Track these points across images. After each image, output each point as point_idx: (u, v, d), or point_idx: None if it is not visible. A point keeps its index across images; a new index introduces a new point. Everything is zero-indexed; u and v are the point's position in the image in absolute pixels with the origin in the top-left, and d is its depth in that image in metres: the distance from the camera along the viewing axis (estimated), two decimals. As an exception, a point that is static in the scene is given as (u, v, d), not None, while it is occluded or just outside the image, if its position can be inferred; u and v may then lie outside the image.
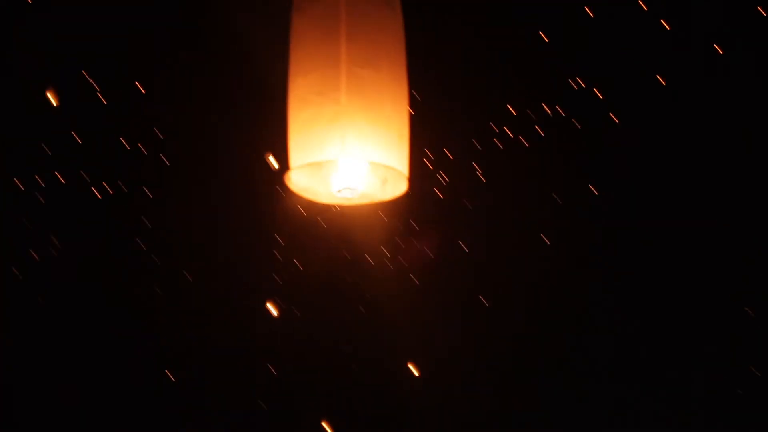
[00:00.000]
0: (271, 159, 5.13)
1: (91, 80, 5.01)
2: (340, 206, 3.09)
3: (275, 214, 5.41)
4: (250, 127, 4.81)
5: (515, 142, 5.26)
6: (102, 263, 5.67)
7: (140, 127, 5.27)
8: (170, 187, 5.51)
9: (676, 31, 4.83)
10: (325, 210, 5.00)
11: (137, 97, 5.09)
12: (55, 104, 4.96)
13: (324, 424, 5.81)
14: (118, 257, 5.68)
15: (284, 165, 2.74)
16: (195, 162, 5.39)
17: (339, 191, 2.77)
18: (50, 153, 5.28)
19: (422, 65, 4.88)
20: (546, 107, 5.13)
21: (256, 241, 5.66)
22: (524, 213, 5.52)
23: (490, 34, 4.83)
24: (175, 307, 5.74)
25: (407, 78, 2.79)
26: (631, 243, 5.54)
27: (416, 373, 5.91)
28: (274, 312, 5.86)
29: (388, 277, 5.76)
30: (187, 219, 5.59)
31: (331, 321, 5.87)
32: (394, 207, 5.56)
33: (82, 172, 5.36)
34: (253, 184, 5.28)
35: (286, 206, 5.31)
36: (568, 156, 5.33)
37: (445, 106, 5.12)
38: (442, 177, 5.41)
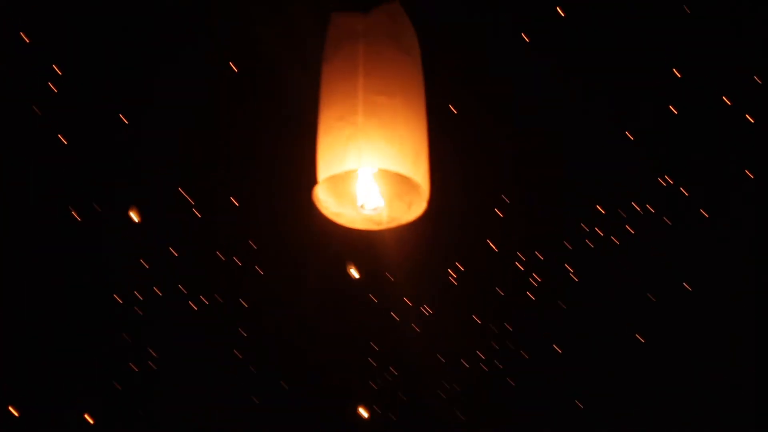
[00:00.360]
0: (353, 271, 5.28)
1: (185, 194, 5.13)
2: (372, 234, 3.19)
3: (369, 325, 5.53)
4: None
5: (606, 241, 5.26)
6: (200, 376, 5.75)
7: (235, 239, 5.37)
8: (263, 296, 5.59)
9: (759, 126, 4.82)
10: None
11: (231, 209, 5.19)
12: (137, 220, 5.08)
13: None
14: (215, 369, 5.76)
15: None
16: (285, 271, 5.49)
17: (362, 206, 2.97)
18: (147, 267, 5.39)
19: (512, 178, 5.02)
20: (636, 206, 5.13)
21: (351, 348, 5.74)
22: (617, 312, 5.50)
23: (580, 139, 4.87)
24: (273, 414, 5.80)
25: (424, 104, 3.00)
26: (730, 342, 5.47)
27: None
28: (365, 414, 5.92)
29: (485, 380, 5.77)
30: (281, 325, 5.68)
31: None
32: (489, 310, 5.67)
33: (180, 286, 5.47)
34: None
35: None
36: (660, 253, 5.31)
37: (535, 210, 5.17)
38: (534, 278, 5.43)
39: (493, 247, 5.32)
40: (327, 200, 2.97)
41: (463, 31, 4.31)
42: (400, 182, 2.94)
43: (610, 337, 5.59)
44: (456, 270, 5.45)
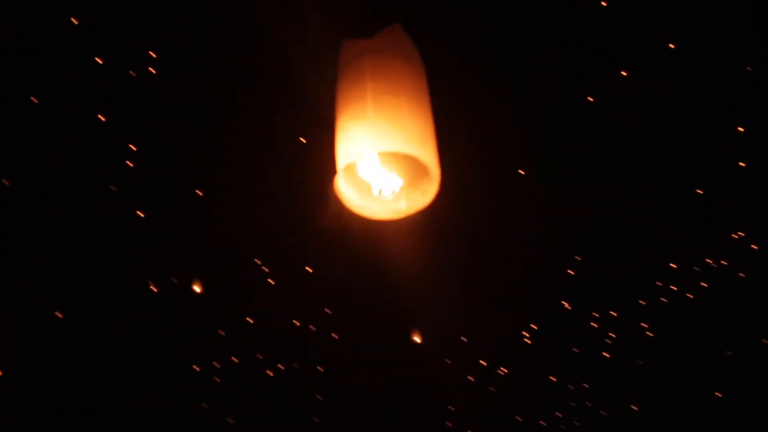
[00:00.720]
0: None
1: (260, 264, 5.21)
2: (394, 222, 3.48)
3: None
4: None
5: (680, 297, 5.24)
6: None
7: (310, 305, 5.43)
8: (339, 361, 5.63)
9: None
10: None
11: (305, 277, 5.25)
12: (199, 291, 5.17)
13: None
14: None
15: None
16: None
17: (380, 192, 3.35)
18: (224, 335, 5.45)
19: (584, 237, 5.03)
20: (709, 261, 5.11)
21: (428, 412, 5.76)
22: (695, 368, 5.46)
23: (652, 196, 4.88)
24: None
25: (428, 101, 3.39)
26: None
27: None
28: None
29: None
30: (357, 390, 5.71)
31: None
32: (565, 369, 5.66)
33: (258, 355, 5.53)
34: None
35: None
36: (736, 308, 5.27)
37: (607, 269, 5.17)
38: (610, 337, 5.42)
39: (567, 306, 5.33)
40: (350, 195, 3.36)
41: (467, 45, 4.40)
42: (412, 171, 3.35)
43: (689, 394, 5.54)
44: (530, 330, 5.46)
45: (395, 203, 3.38)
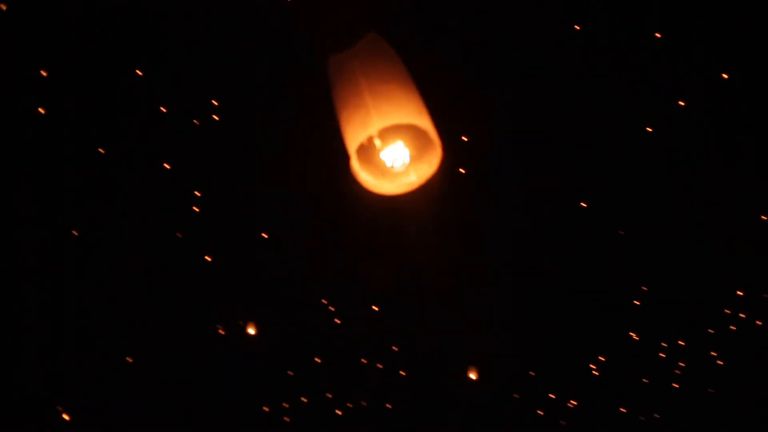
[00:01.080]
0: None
1: (326, 303, 5.26)
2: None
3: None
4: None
5: (749, 325, 5.20)
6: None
7: (376, 344, 5.46)
8: (407, 399, 5.65)
9: None
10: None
11: (370, 315, 5.29)
12: (254, 333, 5.23)
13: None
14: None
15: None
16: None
17: (392, 165, 3.66)
18: (292, 375, 5.50)
19: (649, 267, 5.03)
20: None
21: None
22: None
23: (715, 224, 4.87)
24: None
25: (414, 85, 3.72)
26: None
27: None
28: None
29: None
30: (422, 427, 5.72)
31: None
32: (634, 401, 5.62)
33: (327, 394, 5.56)
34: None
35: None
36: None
37: (674, 298, 5.16)
38: (680, 367, 5.39)
39: (635, 336, 5.31)
40: (366, 176, 3.65)
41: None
42: (414, 147, 3.66)
43: (761, 424, 5.49)
44: (597, 362, 5.44)
45: (406, 177, 3.70)
